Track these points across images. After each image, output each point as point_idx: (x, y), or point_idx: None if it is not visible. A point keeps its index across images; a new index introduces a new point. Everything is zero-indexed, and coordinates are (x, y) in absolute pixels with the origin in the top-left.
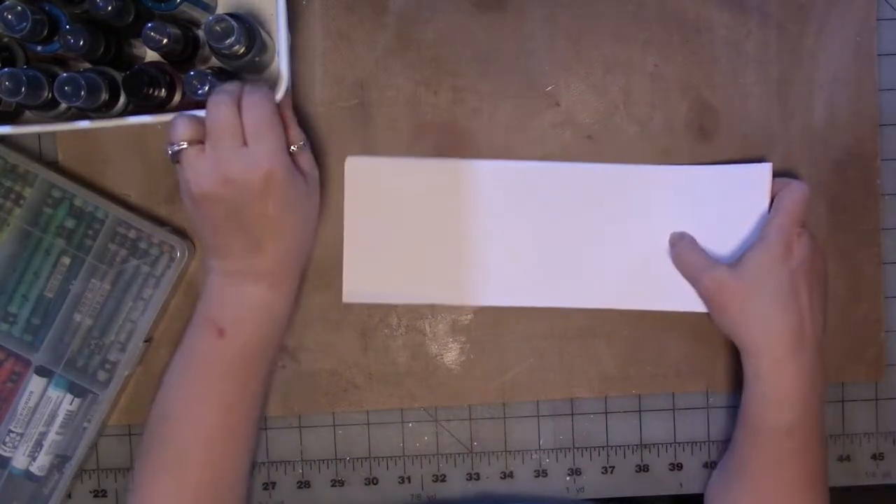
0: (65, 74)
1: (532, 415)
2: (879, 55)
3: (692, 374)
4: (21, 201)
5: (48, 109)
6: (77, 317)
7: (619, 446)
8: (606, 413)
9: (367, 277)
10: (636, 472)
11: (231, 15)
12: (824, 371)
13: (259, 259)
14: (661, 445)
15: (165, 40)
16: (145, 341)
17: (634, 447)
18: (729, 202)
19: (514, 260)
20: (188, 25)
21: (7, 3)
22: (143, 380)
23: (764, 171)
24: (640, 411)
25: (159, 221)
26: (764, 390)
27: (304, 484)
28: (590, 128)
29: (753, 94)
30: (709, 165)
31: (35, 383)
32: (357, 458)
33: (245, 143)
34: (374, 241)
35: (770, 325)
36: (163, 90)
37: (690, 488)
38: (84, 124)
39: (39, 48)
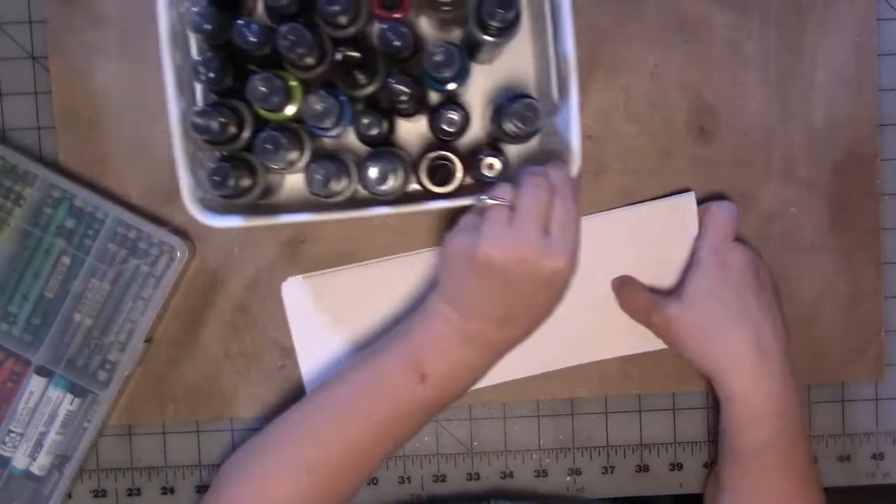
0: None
1: (532, 415)
2: (879, 55)
3: (692, 374)
4: (21, 201)
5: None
6: (77, 317)
7: (619, 446)
8: (606, 413)
9: None
10: (636, 472)
11: (525, 95)
12: (794, 376)
13: (502, 334)
14: (661, 445)
15: (458, 127)
16: (145, 341)
17: (634, 447)
18: (660, 236)
19: None
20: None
21: (312, 95)
22: (142, 380)
23: (688, 200)
24: (640, 411)
25: (159, 221)
26: (738, 411)
27: None
28: (590, 128)
29: (753, 94)
30: (633, 205)
31: (35, 383)
32: None
33: (547, 232)
34: (327, 355)
35: (727, 345)
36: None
37: (690, 488)
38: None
39: (330, 134)
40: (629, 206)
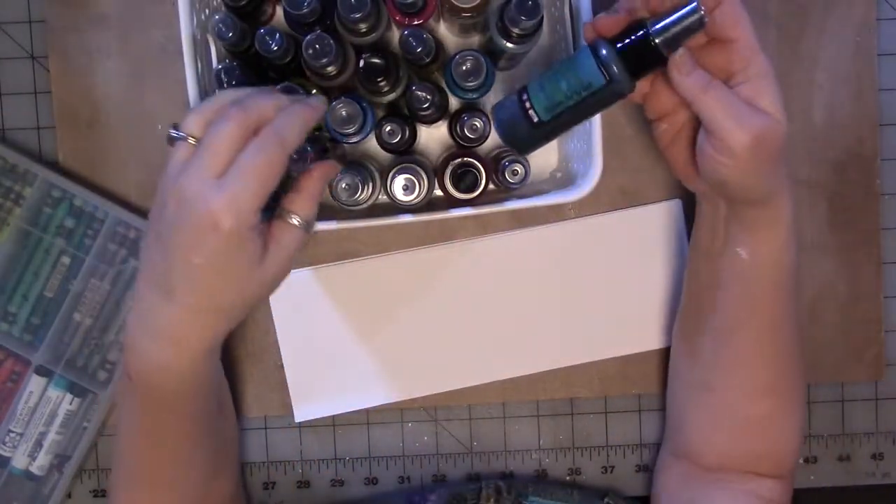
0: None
1: (532, 415)
2: (879, 55)
3: None
4: (21, 201)
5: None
6: (77, 316)
7: (619, 446)
8: (606, 413)
9: (314, 393)
10: (636, 472)
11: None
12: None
13: (164, 308)
14: (660, 445)
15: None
16: None
17: (634, 447)
18: (649, 240)
19: (454, 342)
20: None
21: (338, 101)
22: None
23: (675, 207)
24: (639, 411)
25: None
26: (787, 230)
27: (303, 484)
28: None
29: None
30: (623, 210)
31: (35, 383)
32: (357, 458)
33: (220, 174)
34: (312, 354)
35: (785, 158)
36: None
37: None
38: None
39: (353, 140)
40: (619, 211)
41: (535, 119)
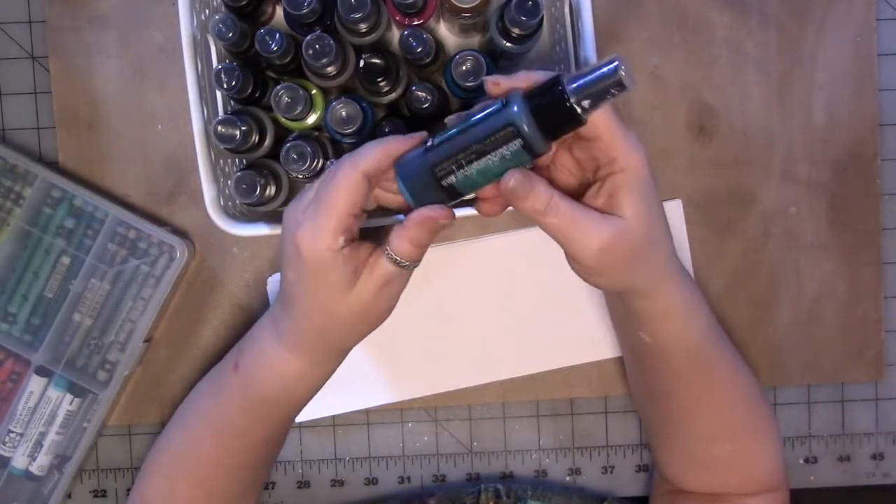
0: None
1: (532, 415)
2: (879, 55)
3: None
4: (21, 201)
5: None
6: (77, 317)
7: (619, 446)
8: (606, 413)
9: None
10: (636, 472)
11: None
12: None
13: (285, 318)
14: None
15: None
16: (145, 341)
17: (634, 447)
18: None
19: (454, 342)
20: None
21: (338, 100)
22: (142, 380)
23: (675, 207)
24: None
25: (159, 221)
26: (674, 319)
27: (303, 484)
28: None
29: (753, 94)
30: None
31: (35, 383)
32: (357, 458)
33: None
34: None
35: (661, 255)
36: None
37: None
38: None
39: (353, 140)
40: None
41: (445, 183)
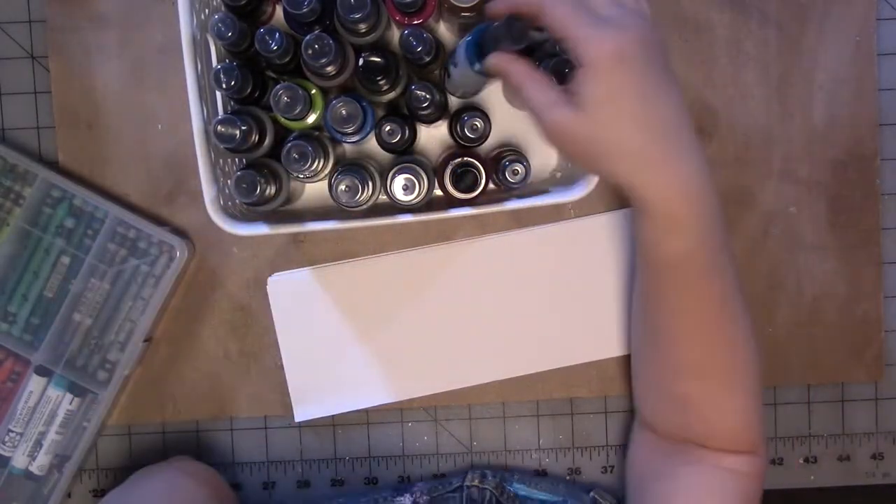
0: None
1: (532, 414)
2: (879, 55)
3: None
4: (21, 201)
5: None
6: (77, 316)
7: (619, 446)
8: (606, 413)
9: (313, 393)
10: None
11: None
12: (712, 178)
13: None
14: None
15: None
16: (145, 341)
17: None
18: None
19: (454, 342)
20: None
21: (337, 99)
22: (142, 380)
23: None
24: None
25: (159, 221)
26: (653, 219)
27: (303, 483)
28: None
29: (753, 94)
30: (620, 210)
31: (35, 383)
32: (357, 458)
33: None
34: (312, 354)
35: (631, 141)
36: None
37: None
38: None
39: (353, 140)
40: (619, 211)
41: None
